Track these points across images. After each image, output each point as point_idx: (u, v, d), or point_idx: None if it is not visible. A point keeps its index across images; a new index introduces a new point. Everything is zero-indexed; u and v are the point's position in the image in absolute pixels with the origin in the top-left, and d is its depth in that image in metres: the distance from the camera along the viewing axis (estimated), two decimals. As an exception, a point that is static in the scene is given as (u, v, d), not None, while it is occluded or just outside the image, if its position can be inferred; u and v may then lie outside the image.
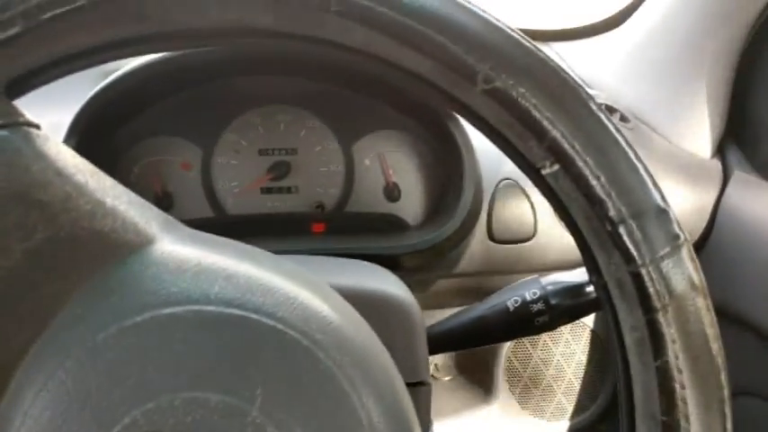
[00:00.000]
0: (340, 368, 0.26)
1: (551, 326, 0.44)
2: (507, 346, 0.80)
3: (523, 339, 0.80)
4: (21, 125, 0.25)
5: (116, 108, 0.55)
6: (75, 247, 0.26)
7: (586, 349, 0.81)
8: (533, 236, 0.61)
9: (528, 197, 0.60)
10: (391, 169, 0.62)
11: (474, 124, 0.28)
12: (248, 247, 0.29)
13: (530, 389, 0.82)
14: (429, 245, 0.56)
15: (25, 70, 0.26)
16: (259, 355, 0.25)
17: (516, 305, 0.44)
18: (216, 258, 0.27)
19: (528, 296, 0.44)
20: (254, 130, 0.61)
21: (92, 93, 0.53)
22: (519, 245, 0.61)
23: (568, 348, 0.81)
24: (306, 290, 0.27)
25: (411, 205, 0.62)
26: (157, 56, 0.54)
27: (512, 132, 0.27)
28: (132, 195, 0.28)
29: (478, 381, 0.84)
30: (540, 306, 0.43)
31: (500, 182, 0.60)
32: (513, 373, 0.81)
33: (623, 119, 0.66)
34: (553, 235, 0.61)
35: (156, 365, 0.25)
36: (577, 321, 0.78)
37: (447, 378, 0.85)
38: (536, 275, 0.46)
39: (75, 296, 0.26)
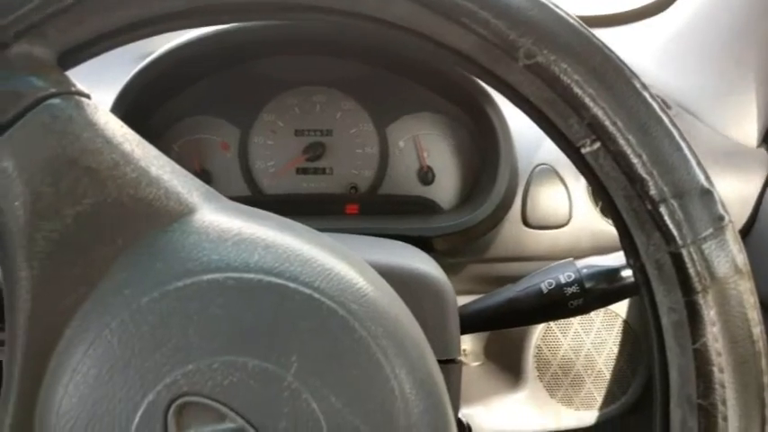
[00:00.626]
0: (374, 338, 0.26)
1: (585, 309, 0.44)
2: (537, 334, 0.80)
3: (554, 327, 0.79)
4: (73, 94, 0.26)
5: (158, 87, 0.56)
6: (121, 212, 0.26)
7: (618, 339, 0.81)
8: (568, 222, 0.60)
9: (564, 182, 0.60)
10: (426, 152, 0.62)
11: (514, 102, 0.28)
12: (287, 220, 0.29)
13: (559, 377, 0.82)
14: (461, 228, 0.56)
15: (77, 42, 0.27)
16: (296, 323, 0.26)
17: (551, 288, 0.44)
18: (256, 229, 0.28)
19: (563, 279, 0.44)
20: (291, 110, 0.62)
21: (134, 71, 0.54)
22: (553, 230, 0.61)
23: (599, 338, 0.80)
24: (343, 262, 0.28)
25: (445, 188, 0.62)
26: (197, 36, 0.55)
27: (552, 109, 0.27)
28: (175, 166, 0.28)
29: (507, 367, 0.84)
30: (574, 289, 0.43)
31: (536, 167, 0.60)
32: (542, 360, 0.81)
33: (664, 105, 0.65)
34: (588, 221, 0.61)
35: (196, 329, 0.26)
36: (610, 311, 0.77)
37: (476, 363, 0.85)
38: (571, 258, 0.45)
39: (121, 260, 0.27)
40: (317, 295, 0.26)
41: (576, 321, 0.79)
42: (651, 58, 0.72)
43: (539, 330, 0.80)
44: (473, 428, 0.78)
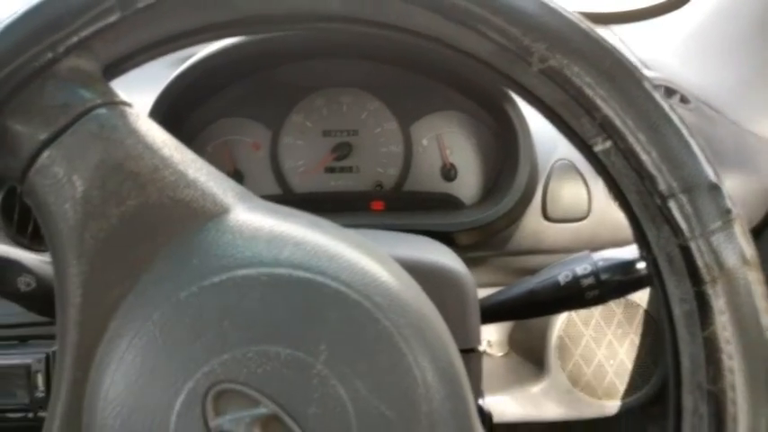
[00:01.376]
0: (397, 329, 0.28)
1: (601, 300, 0.45)
2: (559, 325, 0.81)
3: (575, 318, 0.80)
4: (117, 104, 0.29)
5: (193, 91, 0.59)
6: (161, 213, 0.28)
7: (639, 330, 0.81)
8: (587, 215, 0.62)
9: (582, 177, 0.61)
10: (448, 149, 0.64)
11: (530, 103, 0.29)
12: (316, 217, 0.31)
13: (581, 367, 0.83)
14: (483, 223, 0.58)
15: (121, 55, 0.29)
16: (324, 314, 0.28)
17: (567, 280, 0.45)
18: (286, 227, 0.29)
19: (579, 271, 0.45)
20: (319, 111, 0.64)
21: (172, 77, 0.57)
22: (573, 224, 0.62)
23: (621, 329, 0.81)
24: (368, 257, 0.29)
25: (467, 185, 0.64)
26: (230, 42, 0.57)
27: (565, 110, 0.28)
28: (211, 168, 0.30)
29: (530, 358, 0.85)
30: (590, 281, 0.45)
31: (555, 162, 0.61)
32: (564, 351, 0.82)
33: (683, 100, 0.66)
34: (607, 214, 0.62)
35: (232, 321, 0.27)
36: (631, 302, 0.78)
37: (500, 354, 0.87)
38: (587, 251, 0.47)
39: (161, 257, 0.29)
40: (343, 288, 0.28)
41: (597, 312, 0.80)
42: (672, 53, 0.72)
43: (561, 321, 0.81)
44: (496, 416, 0.80)
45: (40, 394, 0.54)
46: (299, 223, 0.30)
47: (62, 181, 0.28)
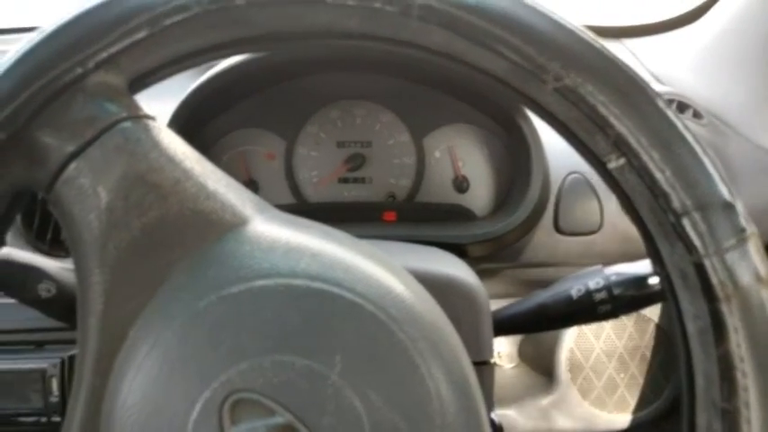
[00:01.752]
0: (412, 341, 0.28)
1: (613, 315, 0.45)
2: (570, 338, 0.81)
3: (587, 331, 0.80)
4: (141, 118, 0.29)
5: (211, 102, 0.60)
6: (181, 224, 0.29)
7: (651, 344, 0.81)
8: (599, 228, 0.62)
9: (594, 190, 0.61)
10: (460, 161, 0.64)
11: (544, 119, 0.30)
12: (331, 229, 0.32)
13: (591, 380, 0.83)
14: (495, 235, 0.58)
15: (146, 69, 0.30)
16: (339, 326, 0.28)
17: (580, 294, 0.45)
18: (303, 238, 0.30)
19: (591, 285, 0.45)
20: (333, 123, 0.65)
21: (192, 88, 0.58)
22: (585, 237, 0.62)
23: (632, 342, 0.81)
24: (383, 269, 0.30)
25: (479, 197, 0.65)
26: (248, 56, 0.58)
27: (580, 127, 0.29)
28: (230, 180, 0.31)
29: (541, 370, 0.85)
30: (602, 296, 0.45)
31: (567, 175, 0.61)
32: (575, 363, 0.82)
33: (696, 115, 0.66)
34: (619, 228, 0.62)
35: (249, 331, 0.28)
36: (643, 315, 0.78)
37: (510, 366, 0.87)
38: (600, 265, 0.47)
39: (181, 268, 0.29)
40: (359, 300, 0.28)
41: (608, 326, 0.80)
42: (685, 67, 0.73)
43: (572, 334, 0.81)
44: (506, 429, 0.79)
45: (54, 399, 0.54)
46: (315, 235, 0.31)
47: (87, 192, 0.28)
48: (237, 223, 0.30)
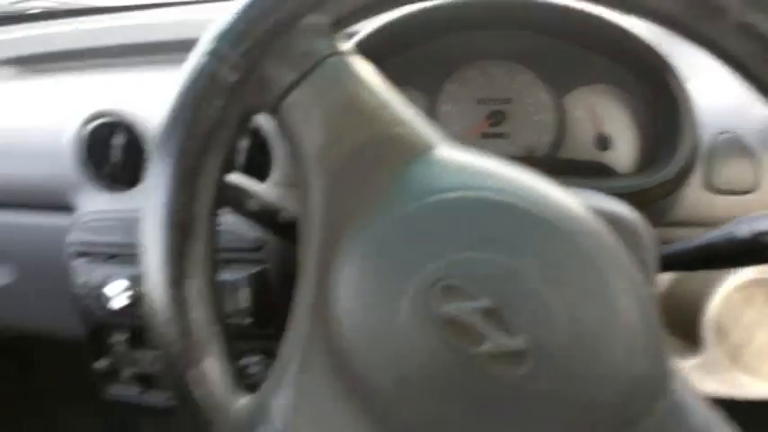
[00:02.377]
0: (596, 251, 0.31)
1: None
2: (716, 303, 0.78)
3: (736, 298, 0.76)
4: (345, 53, 0.35)
5: (372, 54, 0.64)
6: (384, 146, 0.34)
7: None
8: (755, 188, 0.59)
9: (750, 150, 0.58)
10: (602, 120, 0.64)
11: (719, 57, 0.30)
12: (508, 161, 0.35)
13: (740, 347, 0.79)
14: (639, 189, 0.57)
15: (347, 12, 0.35)
16: (530, 234, 0.32)
17: (748, 236, 0.44)
18: (485, 162, 0.34)
19: (761, 227, 0.44)
20: (473, 81, 0.67)
21: (355, 40, 0.62)
22: (739, 196, 0.59)
23: (790, 311, 0.76)
24: (559, 191, 0.33)
25: (622, 155, 0.64)
26: (403, 12, 0.61)
27: (760, 63, 0.29)
28: (417, 111, 0.36)
29: (684, 334, 0.83)
30: None
31: (719, 134, 0.59)
32: (721, 329, 0.79)
33: None
34: (776, 189, 0.59)
35: (451, 232, 0.32)
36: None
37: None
38: None
39: (385, 182, 0.34)
40: (545, 215, 0.32)
41: (761, 293, 0.75)
42: None
43: (718, 300, 0.77)
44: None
45: (245, 304, 0.65)
46: (493, 160, 0.35)
47: (308, 114, 0.34)
48: (428, 147, 0.34)
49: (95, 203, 0.73)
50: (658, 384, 0.32)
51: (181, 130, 0.34)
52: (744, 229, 0.45)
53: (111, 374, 0.81)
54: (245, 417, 0.36)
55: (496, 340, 0.31)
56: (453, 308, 0.31)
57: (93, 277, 0.72)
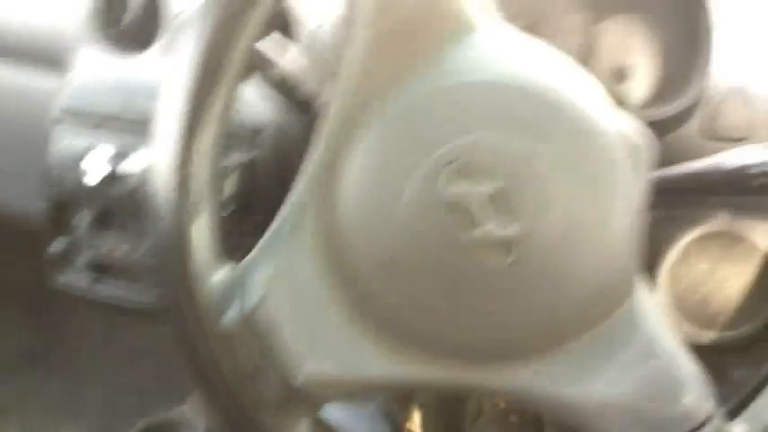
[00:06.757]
0: (609, 158, 0.34)
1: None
2: (674, 251, 0.83)
3: (692, 250, 0.82)
4: None
5: None
6: (430, 18, 0.34)
7: (756, 273, 0.83)
8: (750, 137, 0.63)
9: (748, 97, 0.62)
10: (627, 51, 0.67)
11: None
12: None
13: (687, 294, 0.86)
14: (650, 120, 0.60)
15: None
16: (558, 122, 0.33)
17: (734, 166, 0.47)
18: (525, 47, 0.36)
19: (748, 160, 0.47)
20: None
21: None
22: (733, 142, 0.64)
23: (736, 267, 0.83)
24: (592, 91, 0.36)
25: (636, 87, 0.67)
26: None
27: None
28: None
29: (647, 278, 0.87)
30: (759, 170, 0.47)
31: (724, 86, 0.63)
32: (674, 275, 0.85)
33: None
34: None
35: (478, 113, 0.34)
36: (753, 243, 0.80)
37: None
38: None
39: (421, 57, 0.35)
40: (568, 108, 0.34)
41: (716, 247, 0.82)
42: None
43: (676, 249, 0.83)
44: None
45: (228, 192, 0.63)
46: (534, 45, 0.36)
47: None
48: (471, 27, 0.35)
49: (96, 65, 0.67)
50: (623, 291, 0.35)
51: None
52: (732, 160, 0.49)
53: (65, 259, 0.76)
54: (220, 289, 0.36)
55: (490, 227, 0.32)
56: (460, 189, 0.33)
57: (74, 145, 0.68)
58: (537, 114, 0.34)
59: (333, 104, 0.35)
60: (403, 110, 0.34)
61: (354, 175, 0.34)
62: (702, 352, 0.87)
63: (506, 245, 0.33)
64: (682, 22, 0.64)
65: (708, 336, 0.86)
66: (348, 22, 0.35)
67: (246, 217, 0.64)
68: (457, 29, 0.35)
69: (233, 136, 0.63)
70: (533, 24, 0.68)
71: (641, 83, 0.67)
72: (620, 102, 0.68)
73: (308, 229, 0.35)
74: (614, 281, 0.35)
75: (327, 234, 0.35)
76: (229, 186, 0.62)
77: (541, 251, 0.33)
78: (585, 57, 0.67)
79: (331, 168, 0.35)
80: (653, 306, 0.37)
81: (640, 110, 0.64)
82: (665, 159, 0.70)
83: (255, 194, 0.63)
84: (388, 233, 0.33)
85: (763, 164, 0.49)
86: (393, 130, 0.35)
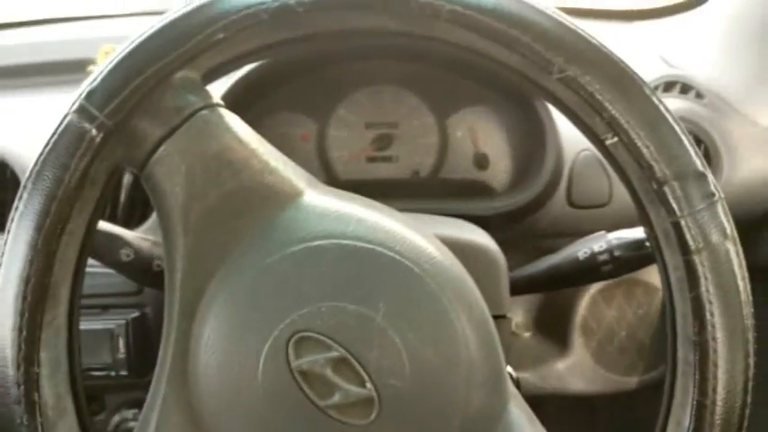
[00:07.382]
0: (441, 290, 0.34)
1: (615, 274, 0.51)
2: (583, 305, 0.86)
3: (599, 299, 0.85)
4: (215, 106, 0.35)
5: (257, 86, 0.66)
6: (250, 195, 0.34)
7: (659, 311, 0.86)
8: (609, 201, 0.67)
9: (604, 166, 0.66)
10: (481, 141, 0.70)
11: (552, 104, 0.35)
12: (371, 200, 0.37)
13: (604, 345, 0.88)
14: (512, 208, 0.64)
15: (217, 65, 0.35)
16: (382, 278, 0.34)
17: (586, 256, 0.51)
18: (349, 207, 0.35)
19: (596, 248, 0.51)
20: (362, 106, 0.71)
21: (234, 78, 0.64)
22: (595, 209, 0.67)
23: (641, 309, 0.86)
24: (416, 233, 0.35)
25: (498, 173, 0.70)
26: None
27: (581, 111, 0.34)
28: (286, 158, 0.36)
29: (555, 337, 0.90)
30: (605, 257, 0.51)
31: (580, 152, 0.67)
32: (587, 330, 0.87)
33: (699, 95, 0.71)
34: (626, 201, 0.67)
35: (308, 282, 0.33)
36: (651, 285, 0.83)
37: (527, 334, 0.92)
38: (603, 231, 0.53)
39: (251, 231, 0.35)
40: (398, 257, 0.34)
41: (620, 293, 0.85)
42: (691, 49, 0.77)
43: (585, 302, 0.86)
44: (523, 390, 0.85)
45: (121, 356, 0.61)
46: (359, 204, 0.36)
47: (174, 169, 0.34)
48: (295, 194, 0.35)
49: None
50: (496, 410, 0.36)
51: (43, 189, 0.32)
52: (583, 251, 0.52)
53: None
54: None
55: (345, 391, 0.33)
56: (307, 361, 0.33)
57: None
58: (365, 274, 0.34)
59: (168, 298, 0.35)
60: (236, 291, 0.34)
61: (207, 359, 0.34)
62: (633, 396, 0.91)
63: (366, 402, 0.33)
64: (523, 112, 0.68)
65: (631, 381, 0.88)
66: (161, 218, 0.35)
67: (145, 374, 0.64)
68: (281, 198, 0.35)
69: (114, 295, 0.62)
70: (390, 131, 0.71)
71: (501, 169, 0.71)
72: (486, 190, 0.72)
73: (175, 416, 0.35)
74: (483, 404, 0.35)
75: (194, 418, 0.35)
76: (119, 350, 0.60)
77: (399, 403, 0.34)
78: (443, 151, 0.71)
79: (183, 355, 0.35)
80: (527, 417, 0.37)
81: (502, 197, 0.67)
82: (539, 232, 0.75)
83: (149, 351, 0.61)
84: (252, 411, 0.33)
85: (607, 251, 0.51)
86: (231, 313, 0.34)
